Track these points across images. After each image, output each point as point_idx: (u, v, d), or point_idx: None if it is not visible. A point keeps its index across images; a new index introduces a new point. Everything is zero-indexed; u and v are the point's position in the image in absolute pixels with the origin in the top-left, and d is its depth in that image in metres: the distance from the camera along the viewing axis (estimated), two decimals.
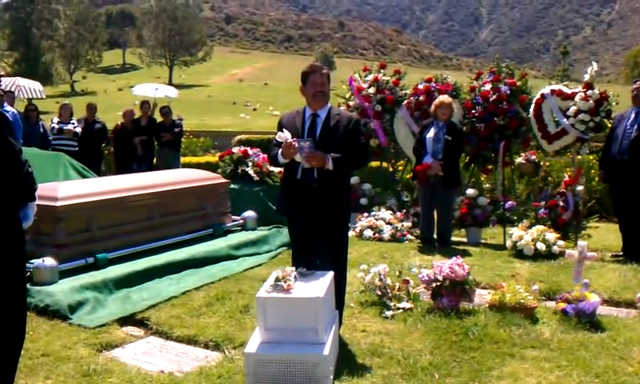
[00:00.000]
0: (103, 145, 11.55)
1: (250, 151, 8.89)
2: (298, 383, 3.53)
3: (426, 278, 4.95)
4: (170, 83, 65.41)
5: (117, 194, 6.35)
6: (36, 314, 4.82)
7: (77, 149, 10.34)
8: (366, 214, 8.26)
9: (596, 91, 7.57)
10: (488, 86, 8.20)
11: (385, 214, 8.18)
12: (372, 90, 8.90)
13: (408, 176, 9.12)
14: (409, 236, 7.83)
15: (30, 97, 16.60)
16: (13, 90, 12.95)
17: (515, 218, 7.90)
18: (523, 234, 6.86)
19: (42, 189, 4.98)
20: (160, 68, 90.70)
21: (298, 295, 3.70)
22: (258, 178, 8.57)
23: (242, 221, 7.75)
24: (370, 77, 9.09)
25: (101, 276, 5.52)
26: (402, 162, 9.86)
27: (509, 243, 7.08)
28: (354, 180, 8.66)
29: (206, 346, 4.41)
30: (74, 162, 8.20)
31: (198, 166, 11.36)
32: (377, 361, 4.01)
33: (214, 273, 6.13)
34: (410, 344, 4.27)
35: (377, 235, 7.80)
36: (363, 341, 4.35)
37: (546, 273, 6.11)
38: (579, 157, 7.96)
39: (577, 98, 7.59)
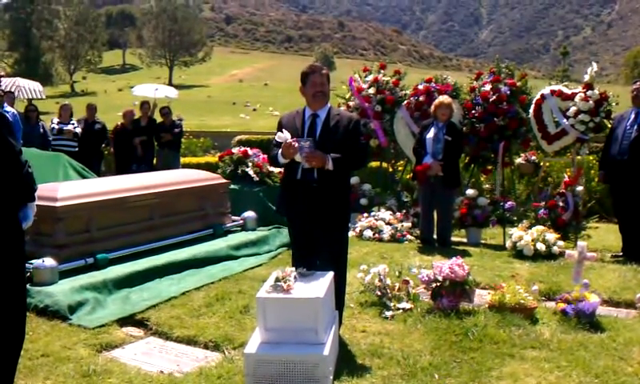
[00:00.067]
0: (103, 145, 11.55)
1: (250, 151, 8.89)
2: (297, 383, 3.53)
3: (426, 279, 4.95)
4: (170, 84, 65.46)
5: (117, 194, 6.35)
6: (36, 315, 4.82)
7: (77, 149, 10.34)
8: (365, 215, 8.26)
9: (596, 92, 7.57)
10: (488, 87, 8.20)
11: (385, 214, 8.18)
12: (372, 91, 8.90)
13: (408, 176, 9.12)
14: (409, 236, 7.83)
15: (30, 97, 16.61)
16: (13, 90, 12.95)
17: (515, 218, 7.90)
18: (523, 235, 6.86)
19: (42, 189, 4.98)
20: (160, 68, 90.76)
21: (297, 295, 3.70)
22: (257, 179, 8.57)
23: (241, 221, 7.75)
24: (370, 77, 9.09)
25: (101, 276, 5.52)
26: (401, 162, 9.86)
27: (509, 244, 7.08)
28: (354, 180, 8.66)
29: (206, 347, 4.41)
30: (74, 163, 8.20)
31: (197, 166, 11.36)
32: (376, 361, 4.00)
33: (214, 273, 6.13)
34: (410, 344, 4.27)
35: (377, 235, 7.80)
36: (363, 341, 4.35)
37: (545, 273, 6.11)
38: (579, 157, 7.96)
39: (577, 99, 7.60)
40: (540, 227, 6.98)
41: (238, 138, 16.65)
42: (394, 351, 4.14)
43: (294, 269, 3.98)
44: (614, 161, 7.11)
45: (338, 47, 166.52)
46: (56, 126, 10.53)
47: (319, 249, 4.31)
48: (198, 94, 66.58)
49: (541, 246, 6.70)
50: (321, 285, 3.83)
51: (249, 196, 8.32)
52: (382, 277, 5.10)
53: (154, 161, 11.58)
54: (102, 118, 11.74)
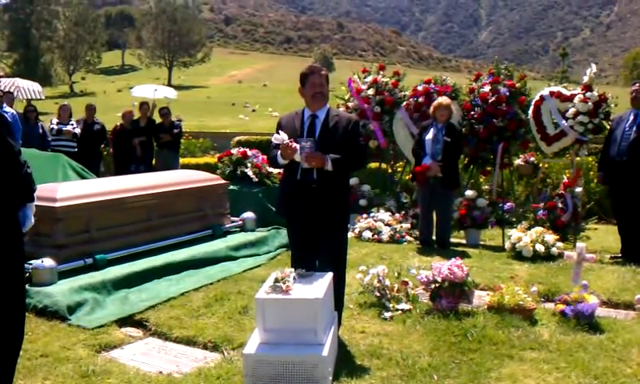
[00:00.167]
0: (102, 146, 11.55)
1: (249, 152, 8.89)
2: None
3: (425, 280, 4.95)
4: (169, 84, 65.48)
5: (116, 194, 6.35)
6: (35, 315, 4.82)
7: (76, 150, 10.35)
8: (364, 215, 8.26)
9: (595, 93, 7.58)
10: (487, 88, 8.20)
11: (384, 215, 8.18)
12: (371, 92, 8.90)
13: (407, 177, 9.13)
14: (408, 237, 7.83)
15: (29, 98, 16.63)
16: (12, 90, 12.97)
17: (514, 219, 7.92)
18: (522, 236, 6.87)
19: (41, 190, 4.98)
20: (159, 69, 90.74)
21: (297, 296, 3.70)
22: (257, 179, 8.57)
23: (240, 222, 7.75)
24: (369, 78, 9.09)
25: (100, 277, 5.52)
26: (400, 163, 9.87)
27: (508, 245, 7.08)
28: (353, 181, 8.66)
29: (205, 347, 4.41)
30: (73, 163, 8.20)
31: (197, 166, 11.35)
32: (376, 362, 4.01)
33: (213, 274, 6.13)
34: (409, 345, 4.27)
35: (376, 236, 7.80)
36: (362, 342, 4.35)
37: (544, 274, 6.11)
38: (578, 158, 7.97)
39: (576, 100, 7.60)
40: (539, 228, 6.98)
41: (237, 138, 16.67)
42: (393, 352, 4.15)
43: (293, 270, 3.98)
44: (612, 162, 7.11)
45: (337, 48, 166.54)
46: (55, 127, 10.53)
47: (318, 250, 4.31)
48: (197, 94, 66.54)
49: (540, 247, 6.71)
50: (320, 286, 3.83)
51: (248, 197, 8.32)
52: (381, 278, 5.10)
53: (153, 161, 11.58)
54: (101, 119, 11.74)
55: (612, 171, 7.14)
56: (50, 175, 7.14)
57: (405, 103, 8.67)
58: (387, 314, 4.83)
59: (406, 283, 5.17)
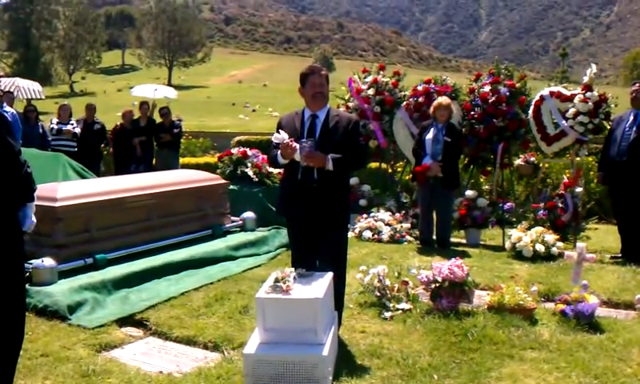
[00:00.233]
0: (102, 145, 11.55)
1: (249, 152, 8.89)
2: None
3: (425, 279, 4.95)
4: (170, 84, 65.42)
5: (116, 194, 6.35)
6: (35, 315, 4.82)
7: (76, 149, 10.34)
8: (365, 215, 8.26)
9: (595, 93, 7.58)
10: (487, 88, 8.21)
11: (384, 215, 8.18)
12: (371, 92, 8.90)
13: (407, 177, 9.13)
14: (408, 237, 7.83)
15: (30, 97, 16.63)
16: (12, 90, 12.97)
17: (514, 219, 7.91)
18: (522, 236, 6.87)
19: (41, 189, 4.97)
20: (159, 69, 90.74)
21: (297, 296, 3.70)
22: (257, 179, 8.57)
23: (241, 222, 7.75)
24: (370, 78, 9.09)
25: (100, 276, 5.52)
26: (401, 163, 9.87)
27: (508, 244, 7.08)
28: (354, 181, 8.66)
29: (205, 347, 4.41)
30: (73, 163, 8.20)
31: (197, 166, 11.35)
32: (376, 362, 4.01)
33: (213, 273, 6.13)
34: (409, 345, 4.27)
35: (376, 236, 7.80)
36: (362, 342, 4.35)
37: (544, 274, 6.11)
38: (578, 158, 7.97)
39: (576, 100, 7.60)
40: (539, 228, 6.98)
41: (237, 138, 16.66)
42: (393, 352, 4.15)
43: (293, 269, 3.98)
44: (612, 162, 7.11)
45: (337, 48, 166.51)
46: (55, 126, 10.53)
47: (319, 249, 4.31)
48: (198, 94, 66.53)
49: (540, 247, 6.71)
50: (320, 285, 3.83)
51: (248, 196, 8.32)
52: (381, 277, 5.10)
53: (154, 161, 11.58)
54: (101, 119, 11.74)
55: (612, 171, 7.14)
56: (50, 175, 7.14)
57: (405, 103, 8.68)
58: (387, 314, 4.83)
59: (407, 283, 5.17)
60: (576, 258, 5.15)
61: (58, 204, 5.73)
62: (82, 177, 7.93)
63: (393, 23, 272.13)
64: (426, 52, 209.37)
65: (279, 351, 3.59)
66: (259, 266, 6.58)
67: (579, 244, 5.48)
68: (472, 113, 8.23)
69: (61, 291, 5.08)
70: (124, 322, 4.91)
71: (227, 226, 7.57)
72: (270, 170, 8.62)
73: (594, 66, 8.00)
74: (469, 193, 8.10)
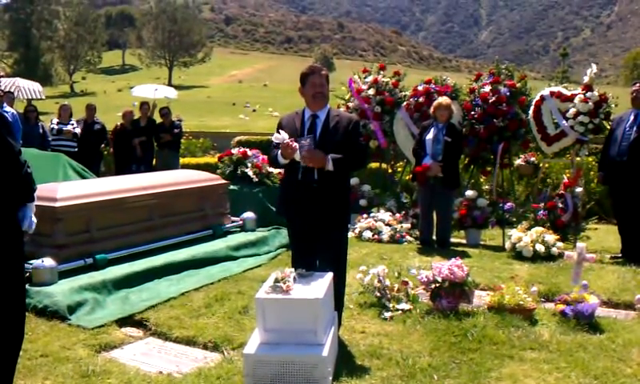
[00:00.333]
0: (102, 146, 11.55)
1: (250, 152, 8.89)
2: None
3: (425, 280, 4.95)
4: (170, 84, 65.45)
5: (116, 194, 6.35)
6: (35, 315, 4.82)
7: (76, 149, 10.35)
8: (365, 215, 8.26)
9: (595, 93, 7.58)
10: (487, 88, 8.21)
11: (384, 215, 8.18)
12: (371, 92, 8.90)
13: (407, 177, 9.13)
14: (408, 237, 7.83)
15: (30, 97, 16.65)
16: (12, 90, 12.97)
17: (514, 219, 7.91)
18: (522, 236, 6.87)
19: (42, 189, 4.97)
20: (159, 69, 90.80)
21: (297, 296, 3.69)
22: (257, 179, 8.57)
23: (241, 222, 7.75)
24: (370, 78, 9.09)
25: (100, 277, 5.52)
26: (401, 163, 9.87)
27: (508, 245, 7.08)
28: (354, 181, 8.66)
29: (205, 347, 4.41)
30: (74, 163, 8.20)
31: (197, 166, 11.35)
32: (376, 362, 4.01)
33: (213, 274, 6.13)
34: (409, 345, 4.27)
35: (376, 236, 7.80)
36: (362, 342, 4.35)
37: (545, 274, 6.11)
38: (578, 158, 7.97)
39: (576, 100, 7.60)
40: (539, 228, 6.98)
41: (237, 138, 16.66)
42: (393, 352, 4.14)
43: (293, 269, 3.98)
44: (613, 162, 7.11)
45: (337, 48, 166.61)
46: (55, 127, 10.53)
47: (319, 249, 4.31)
48: (198, 94, 66.59)
49: (540, 247, 6.71)
50: (320, 286, 3.83)
51: (248, 197, 8.32)
52: (381, 278, 5.10)
53: (154, 161, 11.58)
54: (102, 119, 11.74)
55: (612, 171, 7.14)
56: (50, 175, 7.14)
57: (405, 103, 8.68)
58: (387, 314, 4.83)
59: (406, 283, 5.17)
60: (576, 258, 5.15)
61: (58, 204, 5.73)
62: (82, 177, 7.93)
63: (393, 23, 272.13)
64: (427, 52, 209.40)
65: (279, 351, 3.59)
66: (259, 266, 6.58)
67: (579, 244, 5.47)
68: (472, 113, 8.23)
69: (61, 291, 5.08)
70: (124, 322, 4.90)
71: (227, 226, 7.57)
72: (270, 170, 8.62)
73: (594, 66, 8.00)
74: (469, 193, 8.10)
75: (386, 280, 5.11)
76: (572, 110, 7.61)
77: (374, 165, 9.90)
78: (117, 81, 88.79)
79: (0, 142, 3.10)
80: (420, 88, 8.69)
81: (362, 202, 8.69)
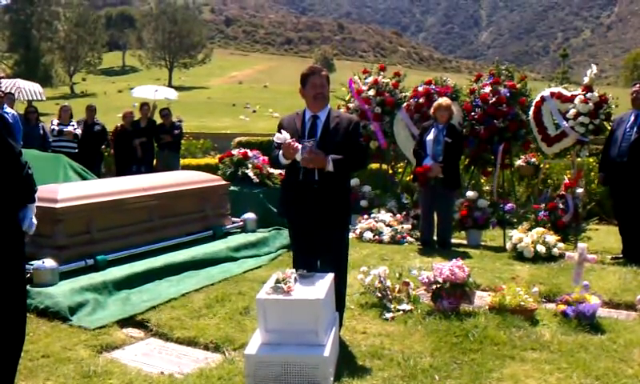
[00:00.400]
0: (103, 146, 11.55)
1: (250, 153, 8.89)
2: None
3: (426, 280, 4.95)
4: (170, 85, 65.54)
5: (116, 195, 6.35)
6: (36, 316, 4.82)
7: (76, 150, 10.35)
8: (365, 216, 8.26)
9: (595, 94, 7.58)
10: (487, 89, 8.20)
11: (385, 216, 8.18)
12: (372, 92, 8.90)
13: (408, 178, 9.13)
14: (409, 238, 7.83)
15: (30, 98, 16.66)
16: (13, 91, 12.98)
17: (515, 220, 7.91)
18: (523, 237, 6.86)
19: (42, 190, 4.98)
20: (160, 70, 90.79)
21: (298, 297, 3.69)
22: (257, 180, 8.56)
23: (241, 223, 7.75)
24: (370, 79, 9.09)
25: (101, 277, 5.52)
26: (401, 164, 9.87)
27: (509, 245, 7.08)
28: (354, 182, 8.66)
29: (206, 348, 4.41)
30: (74, 164, 8.20)
31: (197, 167, 11.36)
32: (377, 363, 4.01)
33: (214, 274, 6.13)
34: (410, 346, 4.27)
35: (377, 237, 7.80)
36: (363, 342, 4.35)
37: (545, 275, 6.11)
38: (579, 159, 7.96)
39: (576, 101, 7.60)
40: (540, 229, 6.98)
41: (237, 139, 16.66)
42: (395, 353, 4.14)
43: (294, 270, 3.98)
44: (613, 163, 7.11)
45: (337, 49, 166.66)
46: (56, 128, 10.53)
47: (320, 250, 4.31)
48: (198, 95, 66.63)
49: (541, 248, 6.70)
50: (321, 286, 3.83)
51: (249, 197, 8.32)
52: (382, 278, 5.10)
53: (154, 162, 11.58)
54: (102, 120, 11.74)
55: (613, 172, 7.14)
56: (50, 176, 7.14)
57: (405, 104, 8.67)
58: (388, 315, 4.83)
59: (407, 284, 5.17)
60: (577, 259, 5.15)
61: (58, 205, 5.73)
62: (83, 178, 7.93)
63: (393, 24, 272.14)
64: (427, 53, 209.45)
65: (280, 352, 3.59)
66: (260, 266, 6.58)
67: (580, 245, 5.47)
68: (472, 114, 8.23)
69: (62, 292, 5.08)
70: (125, 322, 4.90)
71: (228, 227, 7.57)
72: (271, 170, 8.62)
73: (594, 67, 8.00)
74: (469, 194, 8.10)
75: (387, 281, 5.11)
76: (572, 111, 7.61)
77: (374, 166, 9.90)
78: (117, 82, 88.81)
79: (1, 143, 3.10)
80: (420, 89, 8.69)
81: (363, 203, 8.70)
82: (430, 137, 7.28)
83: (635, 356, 4.09)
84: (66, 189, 6.18)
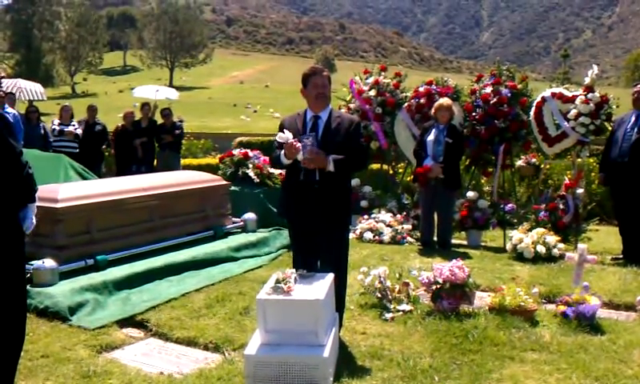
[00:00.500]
0: (104, 146, 11.56)
1: (251, 153, 8.89)
2: None
3: (426, 281, 4.95)
4: (171, 85, 65.57)
5: (117, 195, 6.35)
6: (36, 316, 4.82)
7: (77, 150, 10.36)
8: (366, 217, 8.26)
9: (596, 94, 7.57)
10: (489, 89, 8.20)
11: (385, 216, 8.18)
12: (373, 93, 8.90)
13: (408, 178, 9.13)
14: (409, 238, 7.83)
15: (31, 98, 16.68)
16: (14, 91, 12.99)
17: (515, 220, 7.90)
18: (523, 237, 6.86)
19: (43, 190, 4.98)
20: (161, 70, 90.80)
21: (298, 297, 3.70)
22: (258, 180, 8.56)
23: (242, 223, 7.75)
24: (371, 79, 9.09)
25: (101, 277, 5.52)
26: (402, 164, 9.87)
27: (509, 246, 7.08)
28: (355, 182, 8.66)
29: (206, 348, 4.41)
30: (75, 164, 8.20)
31: (198, 167, 11.35)
32: (376, 363, 4.01)
33: (214, 274, 6.13)
34: (410, 346, 4.27)
35: (377, 238, 7.80)
36: (363, 343, 4.35)
37: (546, 276, 6.11)
38: (579, 160, 7.96)
39: (577, 101, 7.60)
40: (540, 230, 6.98)
41: (238, 139, 16.65)
42: (394, 353, 4.14)
43: (294, 270, 3.98)
44: (614, 163, 7.11)
45: (338, 49, 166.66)
46: (57, 127, 10.54)
47: (320, 250, 4.31)
48: (199, 95, 66.63)
49: (541, 249, 6.70)
50: (321, 287, 3.83)
51: (249, 198, 8.32)
52: (382, 279, 5.10)
53: (155, 162, 11.59)
54: (103, 120, 11.74)
55: (613, 172, 7.14)
56: (51, 176, 7.15)
57: (406, 104, 8.67)
58: (388, 315, 4.83)
59: (407, 284, 5.17)
60: (577, 260, 5.15)
61: (59, 205, 5.74)
62: (84, 178, 7.93)
63: (394, 24, 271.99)
64: (428, 53, 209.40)
65: (280, 352, 3.59)
66: (260, 267, 6.59)
67: (580, 245, 5.47)
68: (473, 114, 8.23)
69: (62, 292, 5.08)
70: (125, 322, 4.90)
71: (228, 227, 7.57)
72: (272, 171, 8.61)
73: (595, 67, 7.99)
74: (470, 194, 8.10)
75: (387, 281, 5.12)
76: (573, 111, 7.60)
77: (375, 166, 9.90)
78: (118, 82, 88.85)
79: (1, 143, 3.11)
80: (421, 89, 8.69)
81: (363, 203, 8.70)
82: (431, 137, 7.28)
83: (635, 357, 4.09)
84: (67, 189, 6.18)
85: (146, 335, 4.75)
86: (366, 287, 5.16)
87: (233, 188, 8.19)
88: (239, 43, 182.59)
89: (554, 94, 7.83)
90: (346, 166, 4.26)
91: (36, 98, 17.04)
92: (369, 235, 7.85)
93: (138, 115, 11.86)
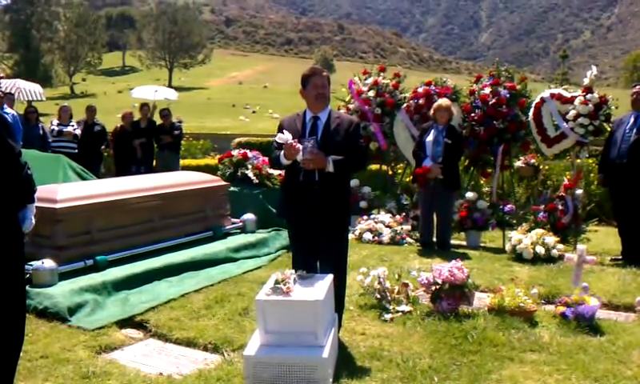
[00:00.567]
0: (103, 147, 11.55)
1: (250, 154, 8.89)
2: None
3: (426, 281, 4.95)
4: (170, 85, 65.45)
5: (116, 196, 6.35)
6: (35, 316, 4.82)
7: (76, 151, 10.34)
8: (365, 217, 8.26)
9: (595, 95, 7.58)
10: (487, 90, 8.21)
11: (384, 217, 8.18)
12: (372, 93, 8.90)
13: (407, 179, 9.13)
14: (408, 239, 7.83)
15: (30, 99, 16.65)
16: (13, 92, 12.98)
17: (514, 221, 7.91)
18: (522, 238, 6.86)
19: (42, 191, 4.98)
20: (160, 70, 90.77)
21: (297, 298, 3.69)
22: (257, 181, 8.56)
23: (241, 223, 7.75)
24: (370, 80, 9.09)
25: (100, 278, 5.52)
26: (401, 165, 9.87)
27: (508, 247, 7.08)
28: (354, 183, 8.66)
29: (205, 349, 4.41)
30: (74, 164, 8.19)
31: (197, 168, 11.35)
32: (376, 364, 4.00)
33: (214, 275, 6.13)
34: (409, 347, 4.27)
35: (376, 238, 7.80)
36: (362, 344, 4.35)
37: (545, 276, 6.11)
38: (578, 160, 7.97)
39: (576, 102, 7.61)
40: (539, 230, 6.98)
41: (237, 140, 16.64)
42: (394, 354, 4.14)
43: (293, 271, 3.98)
44: (613, 164, 7.12)
45: (337, 50, 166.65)
46: (56, 128, 10.53)
47: (319, 251, 4.31)
48: (198, 95, 66.64)
49: (540, 249, 6.70)
50: (320, 287, 3.83)
51: (248, 198, 8.32)
52: (381, 279, 5.10)
53: (154, 163, 11.58)
54: (102, 120, 11.73)
55: (612, 173, 7.15)
56: (50, 176, 7.14)
57: (405, 105, 8.68)
58: (387, 316, 4.83)
59: (407, 285, 5.17)
60: (576, 260, 5.15)
61: (58, 205, 5.73)
62: (83, 178, 7.92)
63: (393, 25, 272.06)
64: (427, 54, 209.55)
65: (279, 353, 3.59)
66: (259, 267, 6.58)
67: (579, 246, 5.47)
68: (472, 115, 8.23)
69: (61, 293, 5.08)
70: (124, 323, 4.90)
71: (227, 227, 7.57)
72: (271, 171, 8.62)
73: (594, 68, 8.00)
74: (469, 195, 8.10)
75: (387, 282, 5.12)
76: (572, 112, 7.61)
77: (374, 167, 9.90)
78: (117, 82, 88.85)
79: (0, 144, 3.10)
80: (420, 90, 8.68)
81: (363, 204, 8.69)
82: (430, 138, 7.29)
83: (634, 357, 4.09)
84: (66, 189, 6.18)
85: (146, 336, 4.75)
86: (366, 288, 5.15)
87: (232, 188, 8.19)
88: (238, 44, 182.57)
89: (552, 95, 7.83)
90: (346, 167, 4.26)
91: (35, 99, 17.01)
92: (368, 236, 7.85)
93: (136, 116, 11.85)
